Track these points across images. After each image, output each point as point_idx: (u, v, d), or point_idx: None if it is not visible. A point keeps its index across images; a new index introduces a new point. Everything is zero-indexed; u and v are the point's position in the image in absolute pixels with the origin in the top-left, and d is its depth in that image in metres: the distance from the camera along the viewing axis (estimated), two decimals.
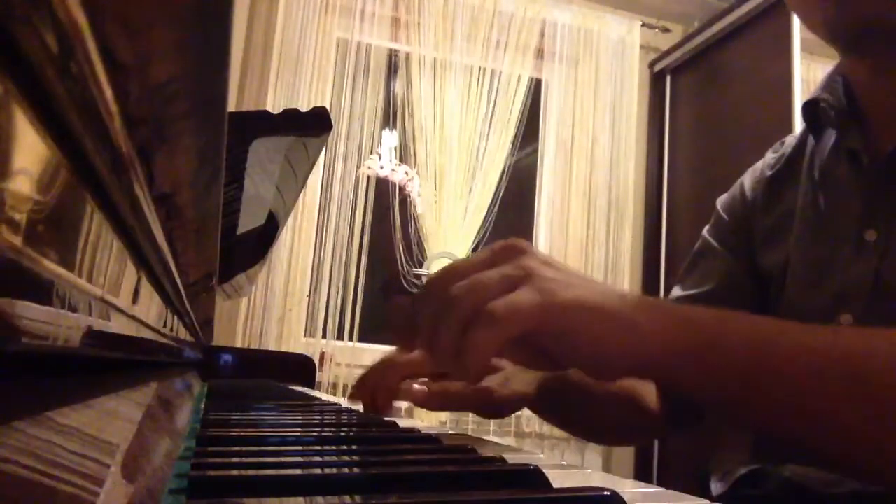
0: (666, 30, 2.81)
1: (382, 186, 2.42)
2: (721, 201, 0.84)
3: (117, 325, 0.25)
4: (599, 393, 0.65)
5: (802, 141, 0.76)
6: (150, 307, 0.33)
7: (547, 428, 2.38)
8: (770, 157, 0.80)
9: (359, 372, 0.66)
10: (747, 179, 0.81)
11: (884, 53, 0.63)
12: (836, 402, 0.34)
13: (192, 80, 0.18)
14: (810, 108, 0.72)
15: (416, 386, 0.60)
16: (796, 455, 0.62)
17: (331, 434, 0.39)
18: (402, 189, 2.41)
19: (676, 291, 0.82)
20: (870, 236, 0.64)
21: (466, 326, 0.37)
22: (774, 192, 0.77)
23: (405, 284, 2.43)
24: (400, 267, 2.41)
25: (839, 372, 0.34)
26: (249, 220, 0.77)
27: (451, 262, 0.46)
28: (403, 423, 0.49)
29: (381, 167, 2.36)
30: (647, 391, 0.72)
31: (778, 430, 0.35)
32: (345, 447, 0.35)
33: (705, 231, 0.83)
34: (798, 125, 0.78)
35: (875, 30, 0.60)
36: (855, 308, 0.64)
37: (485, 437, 0.49)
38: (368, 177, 2.40)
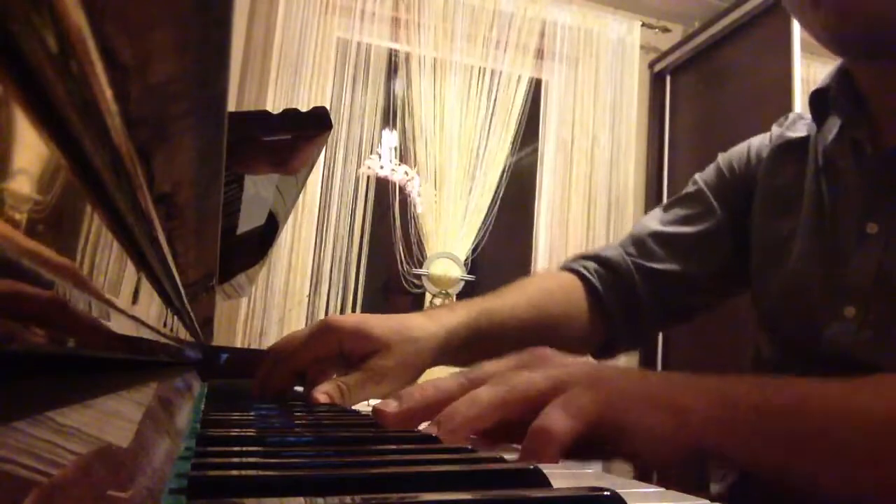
0: (666, 30, 2.81)
1: (382, 186, 2.42)
2: (723, 157, 0.84)
3: (117, 325, 0.25)
4: (510, 334, 0.69)
5: (809, 125, 0.77)
6: (150, 307, 0.33)
7: None
8: (776, 130, 0.81)
9: None
10: (755, 142, 0.82)
11: (886, 56, 0.63)
12: (883, 458, 0.34)
13: (192, 80, 0.18)
14: (818, 96, 0.73)
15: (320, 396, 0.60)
16: None
17: (331, 434, 0.39)
18: (402, 189, 2.40)
19: (652, 222, 0.82)
20: (871, 229, 0.64)
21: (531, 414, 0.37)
22: (780, 161, 0.77)
23: (405, 284, 2.43)
24: (400, 267, 2.41)
25: (884, 428, 0.34)
26: (249, 220, 0.77)
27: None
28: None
29: (381, 167, 2.36)
30: (566, 316, 0.76)
31: (832, 491, 0.35)
32: (344, 447, 0.35)
33: (701, 178, 0.84)
34: None
35: (876, 36, 0.60)
36: (858, 301, 0.64)
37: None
38: (368, 177, 2.40)
